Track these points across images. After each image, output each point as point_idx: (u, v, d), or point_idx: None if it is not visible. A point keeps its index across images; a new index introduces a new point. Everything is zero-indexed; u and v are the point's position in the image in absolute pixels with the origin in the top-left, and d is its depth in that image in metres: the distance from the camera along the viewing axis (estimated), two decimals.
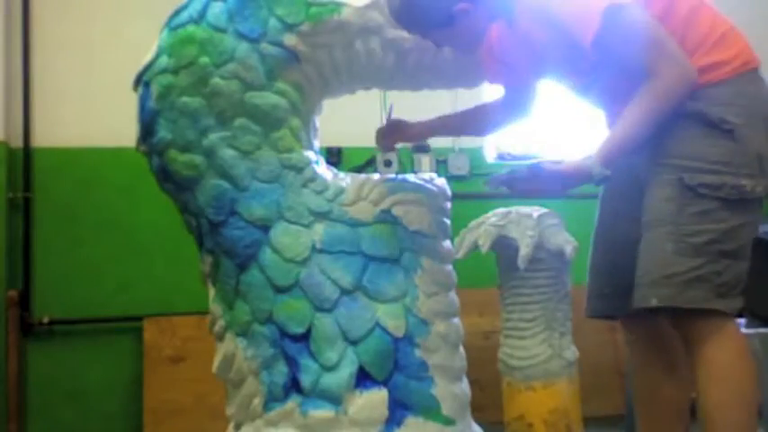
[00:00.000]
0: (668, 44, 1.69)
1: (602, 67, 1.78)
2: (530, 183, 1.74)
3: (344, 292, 1.89)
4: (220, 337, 1.99)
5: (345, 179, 2.05)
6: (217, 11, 1.94)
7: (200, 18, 1.94)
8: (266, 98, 1.94)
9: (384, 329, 1.88)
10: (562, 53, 1.79)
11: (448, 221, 2.07)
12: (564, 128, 4.42)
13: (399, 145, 2.24)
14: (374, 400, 1.85)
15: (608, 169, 1.69)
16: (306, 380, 1.85)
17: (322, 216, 1.94)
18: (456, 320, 2.01)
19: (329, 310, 1.88)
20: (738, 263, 1.70)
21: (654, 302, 1.68)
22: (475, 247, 3.02)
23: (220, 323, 1.98)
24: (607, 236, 1.98)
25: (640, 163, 1.83)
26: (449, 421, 1.91)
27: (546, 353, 2.92)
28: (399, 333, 1.89)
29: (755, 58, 1.79)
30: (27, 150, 3.89)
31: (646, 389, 1.97)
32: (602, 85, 1.85)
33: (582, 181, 1.71)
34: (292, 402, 1.86)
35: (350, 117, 3.47)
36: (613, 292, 1.93)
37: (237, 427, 1.97)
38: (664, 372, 1.93)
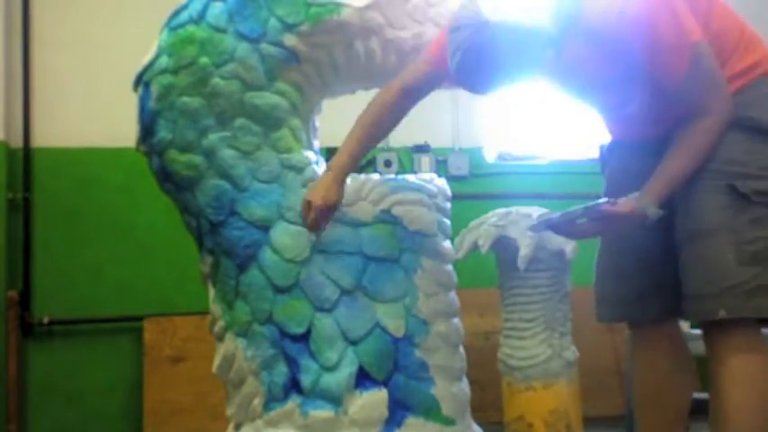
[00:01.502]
0: (724, 83, 1.68)
1: (650, 91, 1.74)
2: (583, 225, 1.69)
3: (344, 292, 1.89)
4: (220, 338, 1.99)
5: None
6: (217, 11, 1.94)
7: (200, 18, 1.94)
8: (266, 98, 1.94)
9: (384, 329, 1.88)
10: (611, 72, 1.72)
11: (448, 221, 2.07)
12: (563, 127, 4.41)
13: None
14: (374, 400, 1.85)
15: (661, 209, 1.65)
16: (306, 380, 1.85)
17: None
18: (456, 321, 2.01)
19: (329, 311, 1.88)
20: None
21: (722, 314, 1.65)
22: (475, 247, 3.02)
23: (220, 323, 1.98)
24: (628, 242, 1.93)
25: None
26: (449, 421, 1.91)
27: (546, 353, 2.92)
28: (399, 333, 1.89)
29: None
30: (27, 150, 3.90)
31: (649, 391, 1.95)
32: (639, 104, 1.81)
33: (637, 224, 1.67)
34: (292, 402, 1.86)
35: (350, 117, 3.46)
36: (636, 298, 1.88)
37: (237, 427, 1.97)
38: (668, 374, 1.92)
